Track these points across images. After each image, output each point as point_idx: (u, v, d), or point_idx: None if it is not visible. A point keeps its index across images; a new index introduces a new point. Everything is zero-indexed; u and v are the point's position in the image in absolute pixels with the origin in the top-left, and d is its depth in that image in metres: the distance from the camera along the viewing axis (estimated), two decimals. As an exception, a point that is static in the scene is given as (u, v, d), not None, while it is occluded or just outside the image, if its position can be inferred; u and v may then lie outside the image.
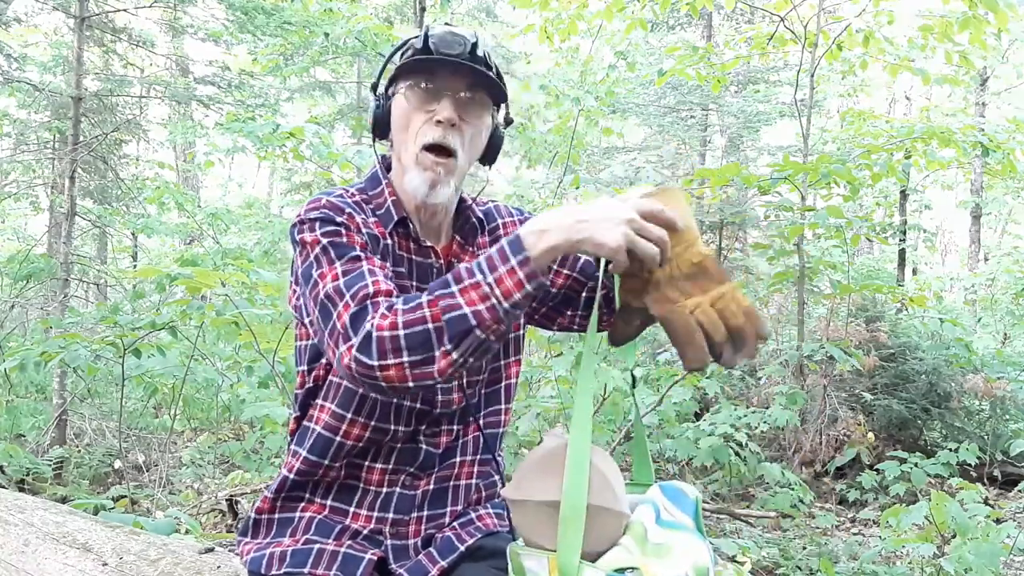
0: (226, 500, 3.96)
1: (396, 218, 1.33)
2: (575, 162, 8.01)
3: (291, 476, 1.36)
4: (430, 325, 1.07)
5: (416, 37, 1.33)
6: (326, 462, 1.33)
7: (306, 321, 1.30)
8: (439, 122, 1.28)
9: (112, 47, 9.15)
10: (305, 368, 1.37)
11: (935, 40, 5.61)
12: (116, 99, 8.54)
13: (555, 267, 1.44)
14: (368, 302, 1.14)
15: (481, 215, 1.44)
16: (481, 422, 1.41)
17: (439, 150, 1.29)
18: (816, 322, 6.37)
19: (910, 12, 6.36)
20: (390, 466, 1.34)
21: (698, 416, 5.78)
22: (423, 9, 6.43)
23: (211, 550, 1.77)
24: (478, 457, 1.42)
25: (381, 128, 1.37)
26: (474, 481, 1.42)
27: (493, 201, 1.51)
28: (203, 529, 3.50)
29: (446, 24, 1.33)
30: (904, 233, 9.46)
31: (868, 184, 5.71)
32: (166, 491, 4.65)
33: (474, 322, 1.07)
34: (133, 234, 10.39)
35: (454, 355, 1.08)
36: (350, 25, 6.41)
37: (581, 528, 1.02)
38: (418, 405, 1.33)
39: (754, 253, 8.26)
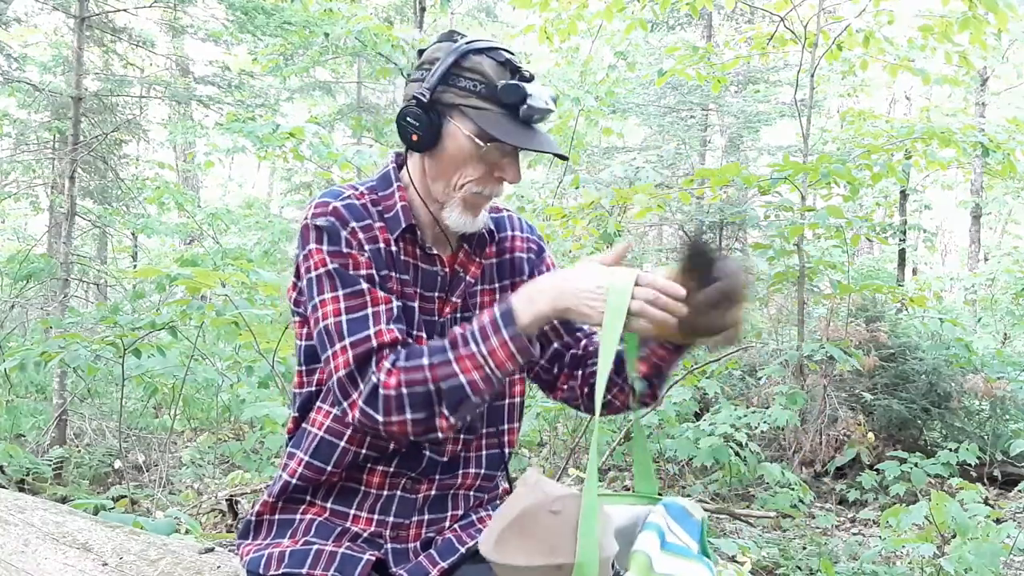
0: (226, 500, 3.96)
1: (404, 225, 1.32)
2: (575, 162, 8.01)
3: (293, 480, 1.35)
4: (431, 387, 1.17)
5: (477, 53, 1.26)
6: (329, 467, 1.33)
7: (311, 322, 1.30)
8: (504, 181, 1.30)
9: (112, 47, 9.15)
10: (304, 369, 1.36)
11: (935, 40, 5.61)
12: (116, 99, 8.54)
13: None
14: (373, 356, 1.20)
15: (492, 225, 1.42)
16: (484, 441, 1.40)
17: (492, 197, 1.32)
18: (816, 322, 6.37)
19: (910, 12, 6.36)
20: (391, 469, 1.34)
21: (698, 416, 5.78)
22: (423, 9, 6.44)
23: (211, 550, 1.77)
24: (482, 471, 1.41)
25: (428, 141, 1.28)
26: (474, 493, 1.42)
27: (508, 210, 1.49)
28: (203, 529, 3.50)
29: (519, 69, 1.28)
30: (904, 233, 9.46)
31: (868, 184, 5.71)
32: (166, 491, 4.65)
33: (469, 391, 1.17)
34: (133, 234, 10.40)
35: (452, 419, 1.19)
36: (350, 25, 6.41)
37: None
38: None
39: (754, 253, 8.26)
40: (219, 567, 1.69)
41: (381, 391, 1.17)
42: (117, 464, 5.09)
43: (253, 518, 1.39)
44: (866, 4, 5.66)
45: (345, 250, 1.25)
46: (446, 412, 1.17)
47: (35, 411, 6.69)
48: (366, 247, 1.27)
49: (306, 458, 1.34)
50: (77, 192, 6.84)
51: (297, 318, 1.36)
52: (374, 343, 1.20)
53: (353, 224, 1.27)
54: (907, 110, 15.79)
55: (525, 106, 1.24)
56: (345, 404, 1.21)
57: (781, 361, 5.68)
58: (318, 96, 13.24)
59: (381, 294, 1.25)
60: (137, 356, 4.08)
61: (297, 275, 1.31)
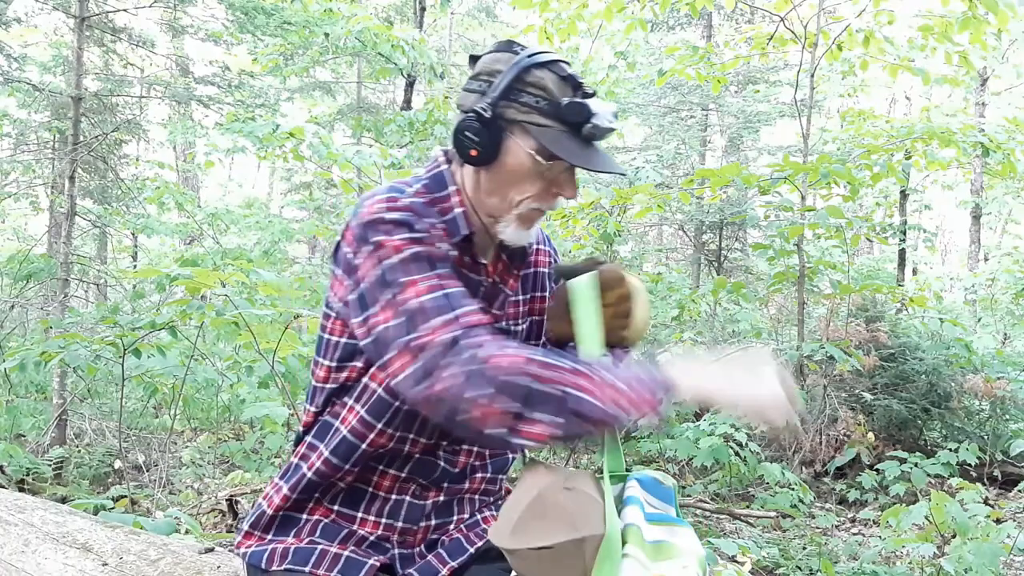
0: (226, 500, 3.97)
1: (463, 233, 1.28)
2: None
3: (309, 475, 1.33)
4: (556, 390, 1.05)
5: (540, 67, 1.24)
6: (346, 466, 1.31)
7: (353, 320, 1.22)
8: (563, 196, 1.28)
9: (112, 47, 9.16)
10: (333, 365, 1.31)
11: (935, 40, 5.61)
12: (116, 99, 8.54)
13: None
14: (479, 328, 1.13)
15: None
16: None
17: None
18: (816, 322, 6.37)
19: (910, 12, 6.36)
20: (403, 474, 1.33)
21: (698, 416, 5.78)
22: (423, 9, 6.43)
23: (211, 550, 1.77)
24: (488, 475, 1.42)
25: (488, 155, 1.24)
26: (479, 497, 1.42)
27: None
28: (203, 529, 3.50)
29: (581, 86, 1.26)
30: (904, 233, 9.46)
31: (868, 184, 5.71)
32: (166, 491, 4.65)
33: (595, 415, 1.05)
34: (133, 234, 10.40)
35: (558, 431, 1.05)
36: (350, 25, 6.42)
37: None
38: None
39: (754, 253, 8.26)
40: (219, 567, 1.69)
41: (490, 364, 1.07)
42: (117, 464, 5.09)
43: (270, 511, 1.35)
44: (866, 4, 5.67)
45: (426, 239, 1.21)
46: (555, 419, 1.05)
47: (35, 411, 6.69)
48: (437, 243, 1.24)
49: (327, 454, 1.32)
50: (77, 192, 6.83)
51: (332, 313, 1.29)
52: (473, 319, 1.14)
53: (426, 220, 1.24)
54: (907, 110, 15.79)
55: (590, 125, 1.21)
56: (426, 366, 1.10)
57: (781, 361, 5.68)
58: (318, 96, 13.24)
59: (455, 280, 1.21)
60: (137, 356, 4.08)
61: (348, 271, 1.23)
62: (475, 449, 1.37)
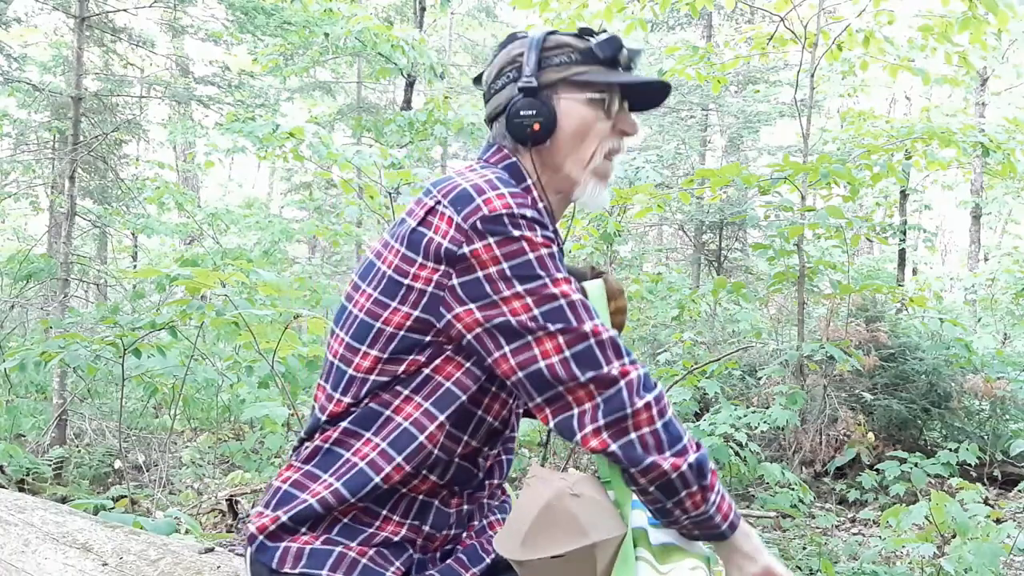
0: (226, 500, 3.97)
1: (551, 229, 1.22)
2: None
3: (368, 471, 1.23)
4: (682, 456, 1.12)
5: (596, 41, 1.29)
6: (400, 462, 1.22)
7: (462, 308, 1.15)
8: (626, 133, 1.31)
9: (112, 47, 9.16)
10: (384, 356, 1.22)
11: (935, 40, 5.61)
12: (116, 99, 8.54)
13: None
14: (631, 371, 1.13)
15: None
16: (503, 447, 1.38)
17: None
18: (816, 322, 6.37)
19: (910, 12, 6.36)
20: (442, 480, 1.26)
21: (698, 416, 5.78)
22: (423, 9, 6.43)
23: (211, 550, 1.77)
24: (497, 481, 1.39)
25: (547, 129, 1.27)
26: (487, 501, 1.39)
27: None
28: (203, 529, 3.50)
29: (620, 36, 1.31)
30: (904, 233, 9.46)
31: (868, 184, 5.71)
32: (166, 491, 4.65)
33: (690, 494, 1.13)
34: (133, 234, 10.41)
35: (677, 473, 1.11)
36: (350, 25, 6.42)
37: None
38: (496, 423, 1.27)
39: (754, 253, 8.26)
40: (219, 567, 1.69)
41: (654, 386, 1.13)
42: (117, 464, 5.09)
43: (322, 511, 1.22)
44: (866, 4, 5.67)
45: (541, 234, 1.17)
46: (676, 462, 1.10)
47: (35, 411, 6.69)
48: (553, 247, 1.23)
49: (383, 445, 1.22)
50: (77, 192, 6.83)
51: (393, 304, 1.20)
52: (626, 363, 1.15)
53: (545, 221, 1.21)
54: (907, 110, 15.79)
55: (624, 52, 1.28)
56: (607, 366, 1.10)
57: (781, 361, 5.68)
58: (318, 96, 13.25)
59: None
60: (137, 356, 4.08)
61: (450, 261, 1.15)
62: (499, 455, 1.34)
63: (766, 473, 4.66)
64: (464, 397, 1.21)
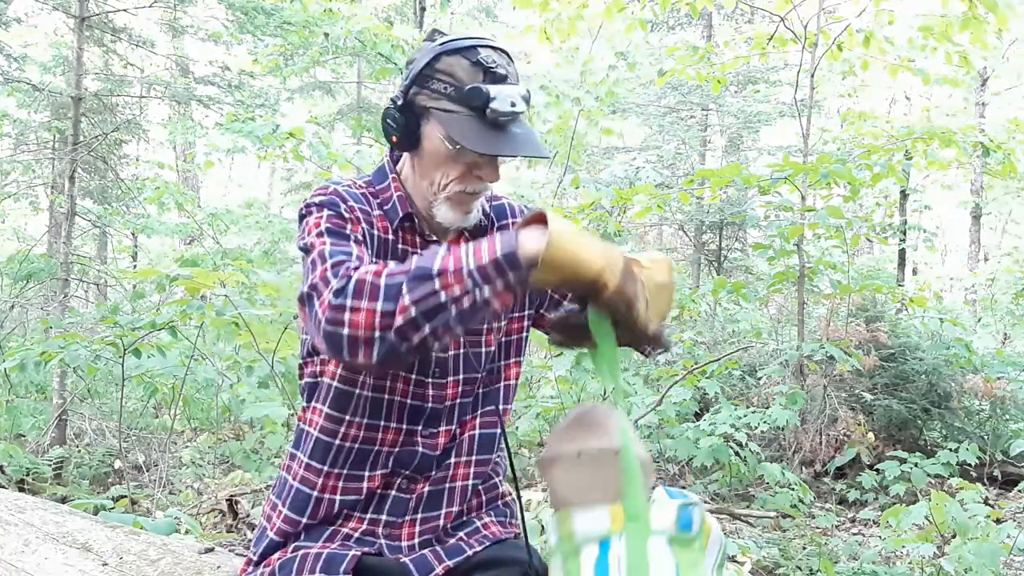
0: (226, 500, 3.96)
1: (402, 214, 1.34)
2: (575, 162, 8.01)
3: (296, 485, 1.36)
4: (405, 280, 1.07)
5: (450, 55, 1.25)
6: (326, 468, 1.34)
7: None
8: (483, 179, 1.30)
9: (112, 47, 9.15)
10: (300, 361, 1.40)
11: (935, 40, 5.61)
12: (116, 99, 8.54)
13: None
14: (353, 261, 1.17)
15: (491, 211, 1.44)
16: (478, 421, 1.40)
17: (477, 194, 1.31)
18: (816, 322, 6.37)
19: (910, 12, 6.36)
20: (388, 470, 1.34)
21: (698, 416, 5.78)
22: (423, 9, 6.43)
23: (211, 550, 1.77)
24: (474, 458, 1.40)
25: (409, 141, 1.30)
26: (471, 483, 1.41)
27: (506, 198, 1.50)
28: (203, 529, 3.50)
29: (492, 68, 1.24)
30: (904, 233, 9.45)
31: (868, 184, 5.71)
32: (166, 491, 4.65)
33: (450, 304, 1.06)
34: (133, 234, 10.39)
35: (417, 324, 1.06)
36: (350, 25, 6.41)
37: (640, 475, 1.03)
38: (409, 402, 1.33)
39: (754, 253, 8.26)
40: (219, 567, 1.69)
41: (355, 277, 1.09)
42: (117, 464, 5.09)
43: (274, 535, 1.36)
44: (866, 4, 5.66)
45: (344, 215, 1.27)
46: (412, 305, 1.06)
47: (35, 411, 6.68)
48: (362, 224, 1.28)
49: (305, 459, 1.35)
50: (77, 192, 6.83)
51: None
52: (353, 263, 1.16)
53: (351, 203, 1.29)
54: (907, 110, 15.78)
55: (489, 109, 1.22)
56: (318, 299, 1.11)
57: (781, 361, 5.68)
58: (318, 96, 13.23)
59: (368, 253, 1.25)
60: (137, 356, 4.08)
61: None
62: (452, 428, 1.36)
63: (766, 473, 4.66)
64: (355, 389, 1.31)
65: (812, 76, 6.00)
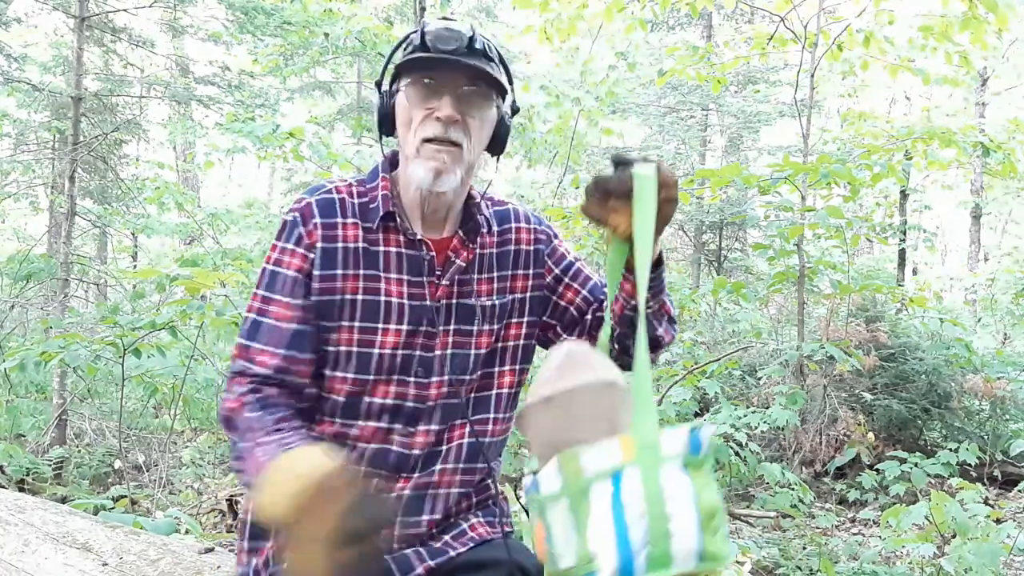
0: (226, 500, 3.96)
1: (382, 213, 1.34)
2: (575, 162, 8.02)
3: None
4: (236, 449, 1.27)
5: (415, 32, 1.34)
6: None
7: None
8: (439, 119, 1.29)
9: (112, 47, 9.15)
10: None
11: (935, 40, 5.61)
12: (116, 99, 8.54)
13: (567, 280, 1.45)
14: (244, 371, 1.32)
15: (490, 214, 1.43)
16: (467, 429, 1.37)
17: (441, 141, 1.30)
18: (816, 322, 6.37)
19: (910, 12, 6.36)
20: (363, 469, 1.32)
21: (698, 416, 5.78)
22: (423, 9, 6.42)
23: (211, 550, 1.77)
24: (461, 465, 1.37)
25: (387, 125, 1.37)
26: (456, 490, 1.37)
27: (512, 203, 1.49)
28: (203, 529, 3.50)
29: (443, 18, 1.32)
30: (904, 233, 9.45)
31: (868, 184, 5.71)
32: (166, 491, 4.65)
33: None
34: (133, 234, 10.39)
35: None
36: (350, 25, 6.42)
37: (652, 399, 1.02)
38: (389, 401, 1.32)
39: (754, 253, 8.26)
40: (219, 567, 1.69)
41: (225, 406, 1.30)
42: (117, 464, 5.09)
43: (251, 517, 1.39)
44: (866, 4, 5.66)
45: (291, 247, 1.32)
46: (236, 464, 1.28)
47: (35, 411, 6.68)
48: (318, 246, 1.31)
49: None
50: (77, 192, 6.83)
51: None
52: (251, 361, 1.31)
53: (316, 221, 1.32)
54: (907, 110, 15.78)
55: (429, 38, 1.28)
56: (226, 386, 1.34)
57: (781, 361, 5.68)
58: (318, 96, 13.23)
59: (284, 310, 1.31)
60: (137, 356, 4.08)
61: None
62: (432, 428, 1.34)
63: (766, 473, 4.65)
64: (323, 392, 1.34)
65: (812, 76, 6.00)
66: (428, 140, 1.30)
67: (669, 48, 6.91)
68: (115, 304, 6.31)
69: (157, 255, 11.75)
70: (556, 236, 1.48)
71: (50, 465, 5.09)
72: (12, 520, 1.90)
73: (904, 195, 9.69)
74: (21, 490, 4.42)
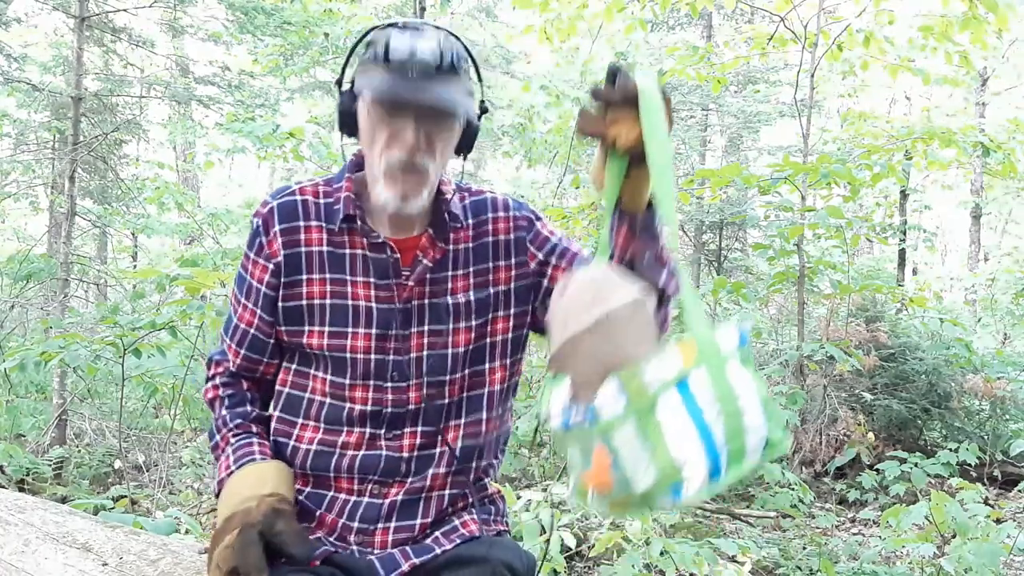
0: (226, 500, 3.95)
1: (342, 215, 1.31)
2: (575, 162, 8.01)
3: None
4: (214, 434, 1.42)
5: (379, 34, 1.24)
6: (295, 466, 1.38)
7: None
8: (405, 146, 1.24)
9: (112, 47, 9.15)
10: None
11: (935, 40, 5.61)
12: (116, 99, 8.54)
13: (553, 262, 1.38)
14: (220, 359, 1.43)
15: (466, 205, 1.37)
16: (462, 431, 1.35)
17: (407, 168, 1.24)
18: (816, 322, 6.37)
19: (910, 12, 6.36)
20: (355, 474, 1.32)
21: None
22: (423, 9, 6.42)
23: (211, 550, 1.77)
24: (456, 467, 1.35)
25: (349, 127, 1.30)
26: (451, 492, 1.35)
27: (492, 192, 1.43)
28: (203, 529, 3.49)
29: (410, 28, 1.22)
30: (904, 233, 9.45)
31: (868, 184, 5.71)
32: (166, 491, 4.65)
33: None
34: (133, 234, 10.39)
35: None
36: (350, 25, 6.42)
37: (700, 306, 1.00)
38: (369, 408, 1.31)
39: (754, 253, 8.26)
40: (219, 567, 1.68)
41: (207, 388, 1.43)
42: (117, 464, 5.09)
43: None
44: (866, 4, 5.66)
45: (253, 256, 1.37)
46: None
47: (35, 411, 6.68)
48: (280, 254, 1.32)
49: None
50: (77, 192, 6.83)
51: None
52: (225, 354, 1.43)
53: (276, 228, 1.33)
54: (907, 110, 15.79)
55: (393, 58, 1.18)
56: (207, 375, 1.45)
57: (781, 361, 5.68)
58: (318, 96, 13.23)
59: (248, 314, 1.38)
60: (137, 356, 4.08)
61: None
62: (418, 429, 1.32)
63: (766, 473, 4.65)
64: (305, 394, 1.36)
65: (812, 76, 6.00)
66: (393, 164, 1.24)
67: (669, 48, 6.91)
68: (115, 304, 6.31)
69: (157, 255, 11.75)
70: (538, 219, 1.41)
71: (50, 465, 5.09)
72: (12, 520, 1.90)
73: (904, 195, 9.69)
74: (21, 490, 4.42)
